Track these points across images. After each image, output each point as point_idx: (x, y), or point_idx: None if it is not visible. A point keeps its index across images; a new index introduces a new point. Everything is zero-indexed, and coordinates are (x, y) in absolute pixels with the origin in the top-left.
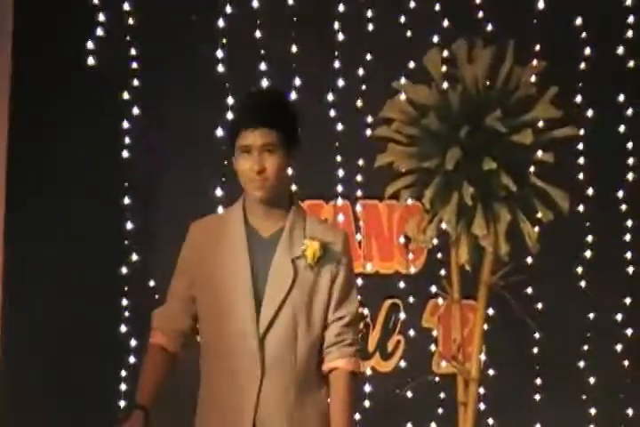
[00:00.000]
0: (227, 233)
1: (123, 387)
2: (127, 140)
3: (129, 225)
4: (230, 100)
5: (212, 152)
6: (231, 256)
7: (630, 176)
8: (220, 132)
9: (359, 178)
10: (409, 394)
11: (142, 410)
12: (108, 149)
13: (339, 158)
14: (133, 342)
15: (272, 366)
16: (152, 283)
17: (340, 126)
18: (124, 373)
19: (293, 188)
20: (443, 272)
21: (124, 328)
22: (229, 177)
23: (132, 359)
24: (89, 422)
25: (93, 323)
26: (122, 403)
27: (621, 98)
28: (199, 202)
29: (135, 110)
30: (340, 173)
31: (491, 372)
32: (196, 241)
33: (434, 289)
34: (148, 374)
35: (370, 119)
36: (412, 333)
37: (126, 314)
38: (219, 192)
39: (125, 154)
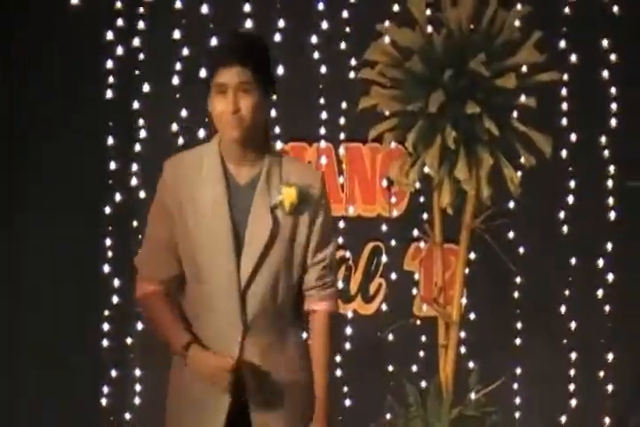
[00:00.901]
0: (204, 175)
1: (106, 327)
2: (111, 80)
3: (112, 165)
4: (214, 41)
5: (196, 93)
6: (210, 207)
7: (613, 122)
8: (203, 72)
9: (342, 121)
10: (390, 337)
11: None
12: (91, 90)
13: (322, 101)
14: (117, 282)
15: (253, 324)
16: (135, 223)
17: (323, 69)
18: (107, 312)
19: (277, 130)
20: (425, 216)
21: (107, 268)
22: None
23: (115, 299)
24: (73, 363)
25: (77, 263)
26: (105, 343)
27: (605, 43)
28: (183, 143)
29: (119, 50)
30: (324, 115)
31: (472, 315)
32: (171, 181)
33: (416, 233)
34: (165, 316)
35: (354, 62)
36: (393, 276)
37: (109, 254)
38: (202, 133)
39: (109, 94)
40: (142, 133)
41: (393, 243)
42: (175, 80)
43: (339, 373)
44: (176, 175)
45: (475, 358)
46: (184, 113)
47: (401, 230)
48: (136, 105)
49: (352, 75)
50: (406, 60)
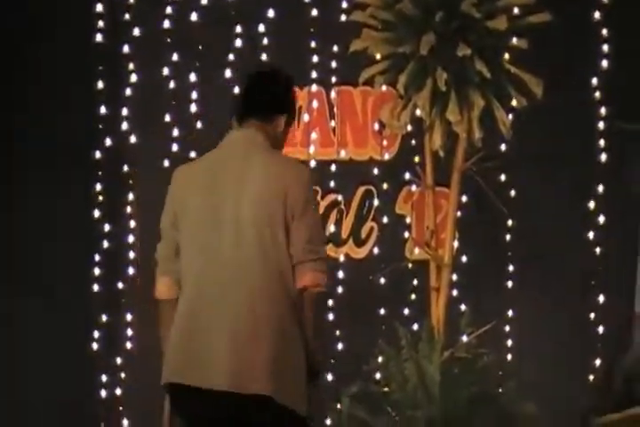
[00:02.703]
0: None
1: (97, 271)
2: (100, 24)
3: (102, 109)
4: None
5: (186, 38)
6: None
7: (605, 63)
8: (193, 16)
9: (333, 64)
10: (382, 280)
11: None
12: (80, 33)
13: (313, 44)
14: (107, 227)
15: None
16: (125, 168)
17: (314, 11)
18: (97, 257)
19: None
20: (416, 159)
21: (97, 213)
22: (203, 62)
23: (105, 244)
24: (63, 307)
25: (68, 207)
26: (95, 287)
27: None
28: (174, 87)
29: None
30: (315, 58)
31: (463, 258)
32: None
33: (407, 176)
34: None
35: (344, 4)
36: (385, 219)
37: (100, 198)
38: (193, 77)
39: (99, 38)
40: (132, 78)
41: (385, 186)
42: (166, 24)
43: (331, 317)
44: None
45: (466, 300)
46: (175, 57)
47: (392, 174)
48: (126, 49)
49: (343, 17)
50: (397, 2)
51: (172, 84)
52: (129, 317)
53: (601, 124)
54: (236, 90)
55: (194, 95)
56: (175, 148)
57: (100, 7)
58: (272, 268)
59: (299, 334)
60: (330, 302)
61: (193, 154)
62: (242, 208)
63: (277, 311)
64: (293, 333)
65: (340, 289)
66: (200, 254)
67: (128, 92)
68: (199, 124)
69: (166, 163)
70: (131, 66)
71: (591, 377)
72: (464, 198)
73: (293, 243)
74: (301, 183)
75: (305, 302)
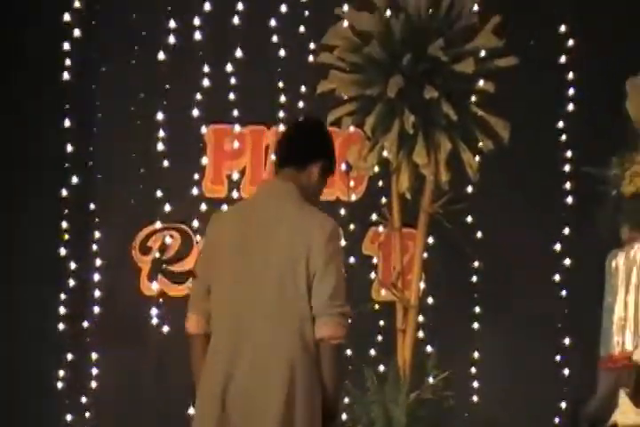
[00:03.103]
0: None
1: (62, 310)
2: (68, 63)
3: (69, 148)
4: (172, 24)
5: (154, 77)
6: None
7: (570, 106)
8: (161, 55)
9: (301, 104)
10: (349, 321)
11: None
12: (48, 71)
13: (281, 84)
14: (73, 265)
15: None
16: (92, 206)
17: (282, 52)
18: (63, 296)
19: (235, 113)
20: (383, 200)
21: (63, 251)
22: (170, 100)
23: (71, 282)
24: (30, 346)
25: (34, 245)
26: (61, 326)
27: (563, 28)
28: (141, 126)
29: (76, 32)
30: (282, 98)
31: (430, 300)
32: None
33: (374, 217)
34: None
35: (312, 46)
36: (352, 260)
37: (66, 237)
38: (160, 116)
39: (66, 76)
40: (100, 115)
41: (351, 227)
42: (133, 62)
43: None
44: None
45: (433, 342)
46: (142, 95)
47: (359, 215)
48: (94, 87)
49: (311, 59)
50: (365, 44)
51: (138, 122)
52: (94, 356)
53: (567, 167)
54: (203, 129)
55: (161, 133)
56: (141, 186)
57: (67, 45)
58: (290, 321)
59: (312, 383)
60: None
61: (159, 193)
62: (268, 264)
63: (290, 362)
64: (306, 381)
65: None
66: (229, 306)
67: (95, 129)
68: (165, 163)
69: (132, 201)
70: (98, 103)
71: (557, 420)
72: (431, 240)
73: (315, 297)
74: (325, 239)
75: (323, 352)
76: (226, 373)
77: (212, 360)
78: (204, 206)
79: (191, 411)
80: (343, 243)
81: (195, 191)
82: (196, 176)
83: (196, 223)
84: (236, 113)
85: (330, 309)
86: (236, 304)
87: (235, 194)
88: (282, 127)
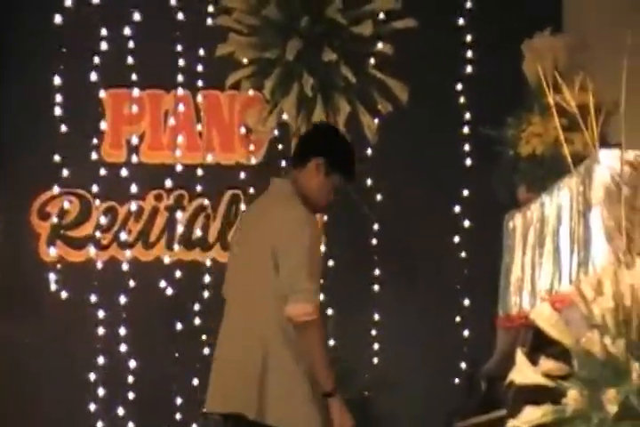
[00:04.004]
0: None
1: None
2: None
3: None
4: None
5: (51, 40)
6: None
7: (469, 69)
8: (58, 18)
9: (200, 68)
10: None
11: None
12: None
13: (179, 48)
14: None
15: None
16: None
17: (180, 15)
18: None
19: (134, 77)
20: (283, 163)
21: None
22: (68, 64)
23: None
24: None
25: None
26: None
27: None
28: (38, 90)
29: None
30: (181, 62)
31: (330, 262)
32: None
33: None
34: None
35: (211, 8)
36: None
37: None
38: (57, 80)
39: None
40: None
41: (252, 190)
42: (30, 25)
43: (197, 321)
44: None
45: (333, 305)
46: (39, 60)
47: (259, 178)
48: None
49: (209, 21)
50: (263, 6)
51: (35, 87)
52: None
53: (465, 129)
54: (102, 93)
55: (58, 98)
56: (39, 151)
57: None
58: (265, 303)
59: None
60: (196, 307)
61: (57, 158)
62: (249, 254)
63: (262, 342)
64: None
65: (206, 294)
66: (225, 294)
67: None
68: (63, 128)
69: (30, 166)
70: None
71: (457, 380)
72: None
73: (280, 279)
74: (288, 227)
75: (296, 332)
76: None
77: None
78: (103, 171)
79: (92, 376)
80: (243, 207)
81: (93, 156)
82: (95, 141)
83: (95, 188)
84: (134, 77)
85: (289, 288)
86: (227, 292)
87: (134, 158)
88: (180, 91)
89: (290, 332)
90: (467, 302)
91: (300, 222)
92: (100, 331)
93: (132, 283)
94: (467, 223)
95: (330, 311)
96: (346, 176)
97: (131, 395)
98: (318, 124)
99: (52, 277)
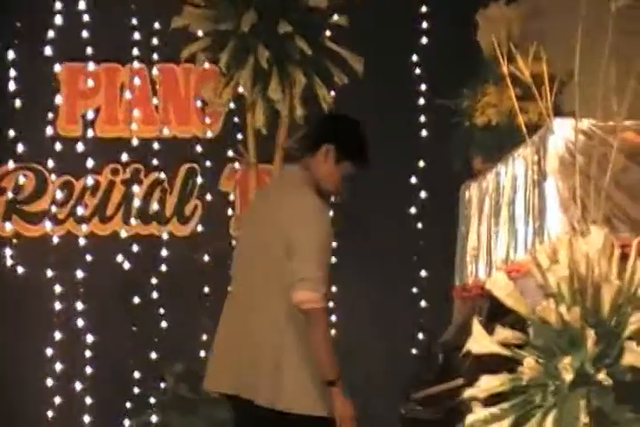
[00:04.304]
0: None
1: None
2: None
3: None
4: None
5: (4, 15)
6: None
7: (424, 40)
8: None
9: (155, 41)
10: (206, 258)
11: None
12: None
13: (134, 21)
14: None
15: None
16: None
17: None
18: None
19: (89, 50)
20: (239, 136)
21: None
22: (22, 38)
23: None
24: None
25: None
26: None
27: None
28: None
29: None
30: (136, 36)
31: None
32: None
33: (230, 153)
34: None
35: None
36: (209, 197)
37: None
38: (11, 54)
39: None
40: None
41: (208, 164)
42: None
43: (155, 295)
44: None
45: None
46: None
47: (216, 151)
48: None
49: None
50: None
51: None
52: None
53: (421, 100)
54: (57, 68)
55: (12, 72)
56: None
57: None
58: (277, 289)
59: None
60: (154, 281)
61: (12, 133)
62: (260, 240)
63: (277, 326)
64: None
65: (163, 267)
66: (234, 281)
67: None
68: (17, 102)
69: None
70: None
71: (414, 350)
72: None
73: (291, 269)
74: (298, 214)
75: (304, 318)
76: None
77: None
78: (58, 146)
79: (49, 351)
80: (200, 180)
81: (49, 131)
82: (50, 115)
83: (50, 163)
84: (89, 51)
85: (295, 276)
86: (235, 272)
87: (90, 133)
88: (136, 65)
89: (300, 318)
90: (423, 272)
91: (314, 211)
92: (57, 306)
93: (88, 257)
94: (423, 194)
95: None
96: (357, 164)
97: (88, 370)
98: (331, 114)
99: (8, 252)
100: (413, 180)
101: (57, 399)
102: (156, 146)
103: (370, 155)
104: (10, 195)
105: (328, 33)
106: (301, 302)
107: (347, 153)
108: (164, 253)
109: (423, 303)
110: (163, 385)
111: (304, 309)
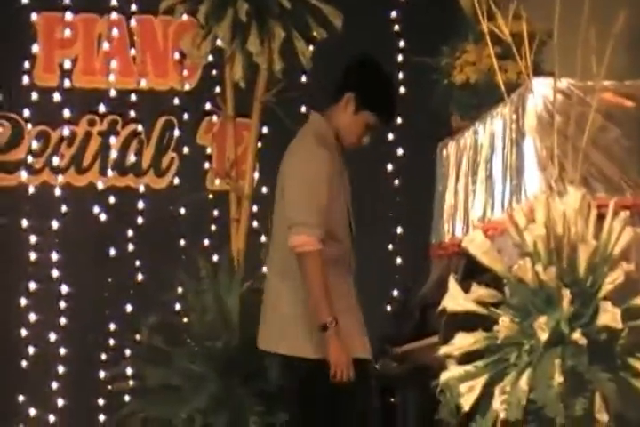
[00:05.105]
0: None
1: None
2: None
3: None
4: None
5: None
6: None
7: None
8: None
9: None
10: (182, 211)
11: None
12: None
13: None
14: None
15: None
16: None
17: None
18: None
19: (66, 0)
20: (217, 89)
21: None
22: None
23: None
24: None
25: None
26: None
27: None
28: None
29: None
30: None
31: (264, 189)
32: (330, 156)
33: (208, 106)
34: (325, 282)
35: None
36: (186, 150)
37: None
38: None
39: None
40: None
41: (185, 116)
42: None
43: (131, 247)
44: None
45: (266, 232)
46: None
47: (193, 104)
48: None
49: None
50: None
51: None
52: None
53: (400, 57)
54: (34, 16)
55: None
56: None
57: None
58: (281, 237)
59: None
60: (130, 233)
61: None
62: (279, 189)
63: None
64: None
65: (140, 220)
66: None
67: None
68: None
69: None
70: None
71: (389, 307)
72: (265, 130)
73: (285, 213)
74: (291, 161)
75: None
76: None
77: None
78: (35, 95)
79: (23, 301)
80: (177, 132)
81: (25, 80)
82: (27, 65)
83: (27, 112)
84: (67, 0)
85: (289, 221)
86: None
87: (67, 83)
88: (114, 15)
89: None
90: (399, 230)
91: (304, 160)
92: (32, 256)
93: (64, 208)
94: (400, 151)
95: (262, 238)
96: (377, 115)
97: (62, 320)
98: (360, 57)
99: None
100: (391, 136)
101: (31, 349)
102: (133, 98)
103: (394, 107)
104: None
105: None
106: (295, 246)
107: (366, 102)
108: (141, 205)
109: (399, 260)
110: (138, 337)
111: (298, 252)
